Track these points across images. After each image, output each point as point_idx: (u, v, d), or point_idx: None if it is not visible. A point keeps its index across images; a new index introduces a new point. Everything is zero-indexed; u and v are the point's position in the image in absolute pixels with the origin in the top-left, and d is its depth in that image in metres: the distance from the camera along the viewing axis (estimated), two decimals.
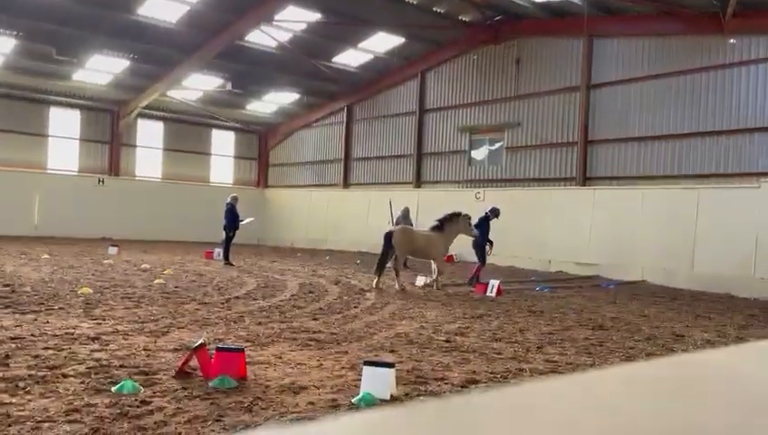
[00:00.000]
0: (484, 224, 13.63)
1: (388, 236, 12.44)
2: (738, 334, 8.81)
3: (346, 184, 27.76)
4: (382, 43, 23.30)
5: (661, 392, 0.38)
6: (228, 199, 16.79)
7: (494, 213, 13.99)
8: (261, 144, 31.92)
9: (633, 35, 18.61)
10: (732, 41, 16.46)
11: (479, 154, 23.16)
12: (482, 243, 13.50)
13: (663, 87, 17.85)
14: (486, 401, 0.37)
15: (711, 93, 16.92)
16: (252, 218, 18.07)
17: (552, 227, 19.17)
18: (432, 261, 12.92)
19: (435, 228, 12.79)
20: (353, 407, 4.52)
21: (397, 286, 12.16)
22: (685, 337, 8.31)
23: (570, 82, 19.99)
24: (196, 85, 26.48)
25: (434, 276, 12.80)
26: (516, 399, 0.38)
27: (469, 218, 13.14)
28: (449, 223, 12.80)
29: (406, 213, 18.29)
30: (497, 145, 22.42)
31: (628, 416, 0.33)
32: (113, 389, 4.57)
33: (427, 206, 22.97)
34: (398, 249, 12.43)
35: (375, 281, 12.35)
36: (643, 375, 0.45)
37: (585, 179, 19.46)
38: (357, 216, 25.94)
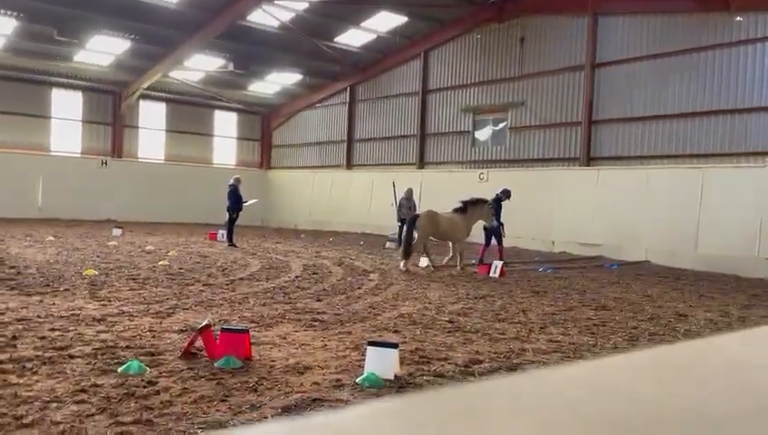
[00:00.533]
0: (496, 206, 13.69)
1: (413, 220, 12.47)
2: (741, 314, 8.83)
3: (349, 165, 27.72)
4: (385, 22, 23.08)
5: (667, 378, 0.38)
6: (231, 181, 16.79)
7: (506, 195, 14.09)
8: (264, 125, 31.83)
9: (638, 13, 18.40)
10: (738, 18, 16.25)
11: (482, 135, 23.05)
12: (497, 226, 13.53)
13: (668, 66, 17.68)
14: (490, 386, 0.37)
15: (717, 72, 16.76)
16: (255, 200, 18.09)
17: (556, 207, 19.14)
18: (451, 243, 12.88)
19: (457, 210, 12.78)
20: (357, 387, 4.55)
21: (401, 266, 12.22)
22: (688, 317, 8.33)
23: (574, 61, 19.82)
24: (199, 66, 26.33)
25: (450, 255, 12.77)
26: (521, 384, 0.39)
27: (492, 207, 13.23)
28: (473, 207, 12.83)
29: (409, 194, 18.28)
30: (501, 125, 22.30)
31: (634, 401, 0.33)
32: (119, 369, 4.61)
33: (431, 187, 22.96)
34: (422, 232, 12.42)
35: (403, 263, 12.33)
36: (649, 360, 0.44)
37: (589, 160, 19.38)
38: (360, 197, 25.94)
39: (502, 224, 13.66)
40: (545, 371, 0.46)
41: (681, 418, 0.29)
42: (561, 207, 19.01)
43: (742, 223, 15.13)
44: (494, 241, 13.87)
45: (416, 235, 12.44)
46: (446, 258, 12.87)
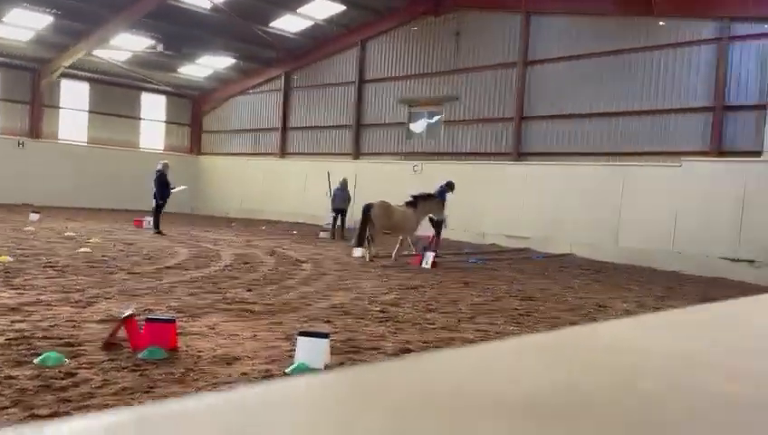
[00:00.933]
0: (441, 199, 13.90)
1: (367, 209, 12.57)
2: (656, 305, 9.33)
3: (283, 153, 27.36)
4: (322, 9, 22.86)
5: (556, 361, 0.40)
6: (158, 166, 16.25)
7: (450, 187, 14.37)
8: (194, 109, 30.91)
9: (569, 13, 19.00)
10: (661, 23, 17.07)
11: (418, 127, 23.27)
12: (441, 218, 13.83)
13: (595, 66, 18.37)
14: (395, 368, 0.38)
15: (640, 74, 17.55)
16: (184, 187, 17.58)
17: (487, 200, 19.59)
18: (401, 235, 13.01)
19: (409, 204, 12.94)
20: (287, 377, 4.52)
21: (367, 258, 12.42)
22: (607, 307, 8.73)
23: (507, 58, 20.27)
24: (125, 45, 25.25)
25: (398, 247, 12.82)
26: (422, 366, 0.40)
27: (443, 203, 13.52)
28: (423, 202, 13.02)
29: (344, 185, 18.28)
30: (436, 119, 22.57)
31: (521, 383, 0.35)
32: (36, 361, 4.39)
33: (366, 178, 23.01)
34: (377, 222, 12.54)
35: (366, 253, 12.54)
36: (542, 345, 0.47)
37: (519, 155, 19.92)
38: (294, 186, 25.68)
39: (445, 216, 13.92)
40: (442, 353, 0.48)
41: (552, 393, 0.31)
42: (491, 201, 19.47)
43: (659, 218, 15.98)
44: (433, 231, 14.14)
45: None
46: (394, 251, 12.83)
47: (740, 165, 15.09)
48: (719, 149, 16.04)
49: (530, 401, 0.30)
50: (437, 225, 14.11)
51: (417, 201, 12.97)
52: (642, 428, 0.28)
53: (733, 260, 14.77)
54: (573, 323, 7.40)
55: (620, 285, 11.56)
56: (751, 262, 14.47)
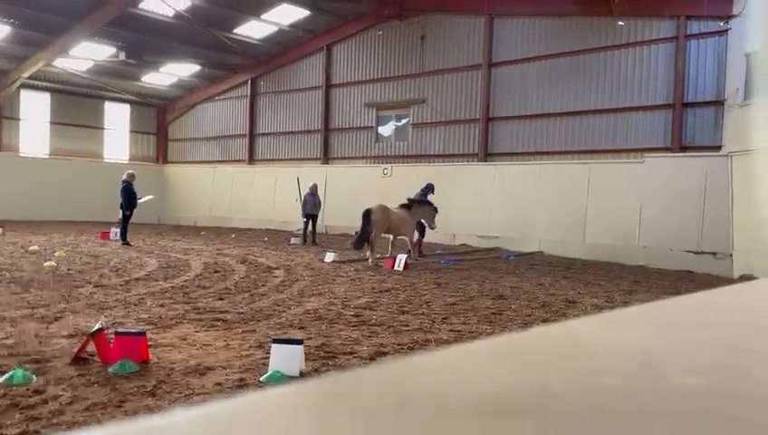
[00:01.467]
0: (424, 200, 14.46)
1: (367, 214, 12.86)
2: (624, 299, 9.51)
3: (251, 160, 27.14)
4: (286, 14, 22.76)
5: (526, 361, 0.42)
6: (124, 177, 15.98)
7: (431, 189, 14.91)
8: (159, 118, 30.46)
9: (531, 15, 19.28)
10: (620, 23, 17.44)
11: (386, 130, 23.33)
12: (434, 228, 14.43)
13: (558, 66, 18.67)
14: (367, 374, 0.39)
15: (601, 73, 17.90)
16: (151, 196, 17.32)
17: (456, 201, 19.72)
18: (392, 237, 13.69)
19: (404, 207, 13.53)
20: (261, 385, 4.49)
21: (369, 262, 12.59)
22: (577, 303, 8.87)
23: (472, 60, 20.47)
24: (87, 54, 24.75)
25: (409, 251, 13.72)
26: (394, 371, 0.40)
27: (436, 212, 14.01)
28: (417, 206, 13.73)
29: (314, 190, 18.21)
30: (403, 121, 22.66)
31: (492, 385, 0.36)
32: (1, 379, 4.28)
33: (336, 182, 22.99)
34: (376, 226, 12.86)
35: (369, 258, 12.75)
36: (512, 345, 0.48)
37: (486, 155, 20.12)
38: (263, 192, 25.50)
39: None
40: (414, 356, 0.49)
41: (522, 393, 0.33)
42: (461, 202, 19.61)
43: (624, 214, 16.30)
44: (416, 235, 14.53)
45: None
46: (405, 255, 13.01)
47: (700, 160, 15.49)
48: (680, 144, 16.44)
49: (501, 402, 0.31)
50: (422, 227, 14.59)
51: (411, 205, 13.63)
52: (608, 423, 0.29)
53: (696, 253, 15.15)
54: (545, 320, 7.50)
55: (589, 280, 11.76)
56: (714, 254, 14.85)
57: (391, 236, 13.68)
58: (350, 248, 13.54)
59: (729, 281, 13.22)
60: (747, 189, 13.27)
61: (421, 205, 13.86)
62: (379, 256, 13.48)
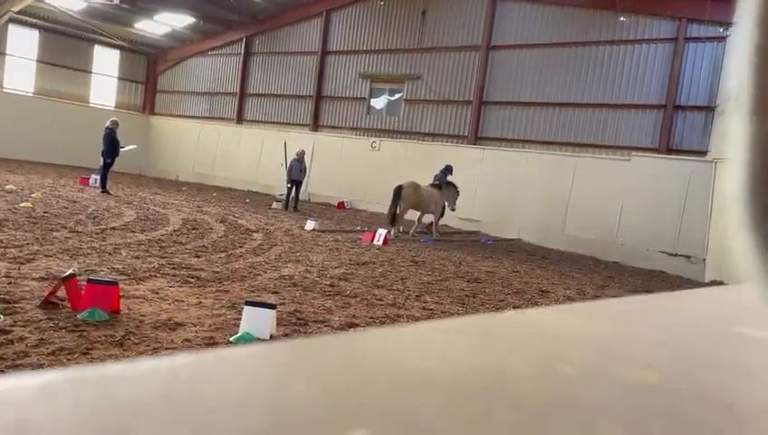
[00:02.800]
0: (441, 179, 15.28)
1: (399, 190, 13.54)
2: (595, 293, 9.66)
3: (240, 120, 26.83)
4: None
5: (487, 344, 0.43)
6: (108, 124, 15.73)
7: (449, 171, 15.40)
8: (149, 67, 29.89)
9: (534, 2, 19.15)
10: (622, 18, 17.40)
11: (378, 103, 23.16)
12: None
13: (555, 56, 18.62)
14: (332, 343, 0.40)
15: (597, 67, 17.90)
16: (134, 146, 17.09)
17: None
18: (428, 214, 14.59)
19: (434, 186, 14.48)
20: (230, 345, 4.51)
21: (392, 233, 13.20)
22: (549, 293, 8.99)
23: (471, 41, 20.32)
24: None
25: (435, 228, 14.59)
26: (359, 343, 0.41)
27: (458, 195, 14.98)
28: (447, 187, 14.65)
29: (301, 156, 18.08)
30: (397, 96, 22.51)
31: (450, 363, 0.37)
32: None
33: (323, 150, 22.86)
34: (406, 201, 13.59)
35: (393, 231, 13.40)
36: (476, 327, 0.49)
37: (476, 138, 20.11)
38: (249, 154, 25.28)
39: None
40: (380, 330, 0.50)
41: (477, 374, 0.34)
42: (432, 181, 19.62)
43: (605, 210, 16.47)
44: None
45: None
46: (430, 230, 14.48)
47: (685, 163, 15.65)
48: (667, 146, 16.58)
49: (456, 380, 0.32)
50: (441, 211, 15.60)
51: (441, 185, 14.56)
52: (554, 409, 0.30)
53: (671, 254, 15.39)
54: (516, 307, 7.60)
55: (564, 272, 11.91)
56: (688, 257, 15.10)
57: (419, 213, 14.55)
58: (399, 229, 14.08)
59: (699, 285, 13.47)
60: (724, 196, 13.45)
61: (449, 186, 14.67)
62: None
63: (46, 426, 0.25)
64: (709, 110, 16.01)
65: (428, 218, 15.11)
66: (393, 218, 13.58)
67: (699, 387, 0.39)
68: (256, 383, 0.29)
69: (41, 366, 3.61)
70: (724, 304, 0.81)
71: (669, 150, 16.53)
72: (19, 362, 3.62)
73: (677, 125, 16.63)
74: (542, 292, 9.02)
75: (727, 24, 15.64)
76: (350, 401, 0.27)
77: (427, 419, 0.27)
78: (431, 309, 6.77)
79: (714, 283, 13.55)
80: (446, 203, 14.91)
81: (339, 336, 0.43)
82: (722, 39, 15.86)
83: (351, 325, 5.55)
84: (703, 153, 15.75)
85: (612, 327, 0.55)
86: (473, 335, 0.46)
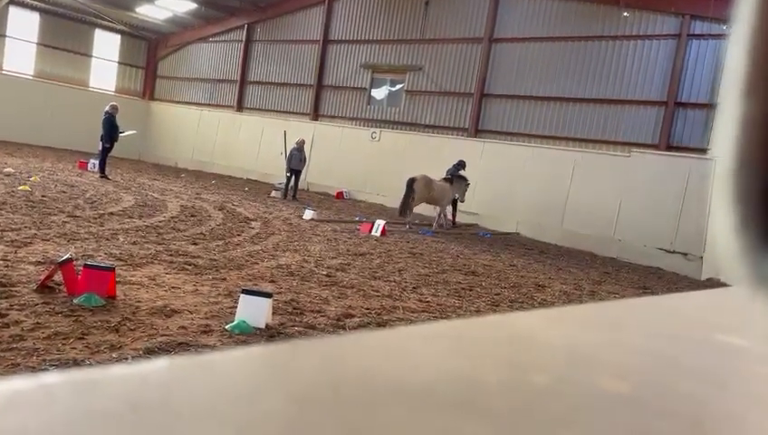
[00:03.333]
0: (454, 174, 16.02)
1: (411, 182, 13.97)
2: (591, 288, 9.68)
3: (240, 107, 26.75)
4: None
5: (461, 350, 0.43)
6: (107, 108, 15.69)
7: (463, 166, 16.11)
8: (150, 52, 29.75)
9: None
10: (625, 14, 17.33)
11: (379, 94, 23.09)
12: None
13: (558, 50, 18.55)
14: (306, 348, 0.40)
15: (599, 62, 17.84)
16: (134, 131, 17.07)
17: (440, 174, 19.73)
18: (436, 207, 15.02)
19: (446, 180, 15.03)
20: (226, 333, 4.52)
21: (407, 226, 13.95)
22: (545, 287, 9.01)
23: (474, 33, 20.23)
24: None
25: (437, 220, 15.01)
26: (331, 349, 0.42)
27: (467, 187, 15.79)
28: (458, 180, 15.27)
29: (301, 145, 18.04)
30: (398, 87, 22.44)
31: (422, 371, 0.37)
32: None
33: (323, 140, 22.81)
34: (418, 193, 14.03)
35: (408, 224, 14.11)
36: (451, 332, 0.50)
37: (476, 131, 20.07)
38: (249, 142, 25.23)
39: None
40: (354, 335, 0.50)
41: (448, 382, 0.34)
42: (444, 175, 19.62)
43: (604, 206, 16.47)
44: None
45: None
46: (437, 222, 14.93)
47: (685, 161, 15.63)
48: (668, 143, 16.55)
49: (427, 390, 0.33)
50: (454, 202, 16.19)
51: (453, 179, 15.13)
52: (520, 420, 0.31)
53: (668, 251, 15.41)
54: (513, 301, 7.62)
55: (561, 266, 11.93)
56: (684, 255, 15.13)
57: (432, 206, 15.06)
58: (408, 222, 14.41)
59: (695, 282, 13.51)
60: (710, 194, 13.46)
61: (460, 180, 15.35)
62: (357, 219, 13.62)
63: None
64: (711, 107, 15.97)
65: (436, 211, 15.59)
66: (405, 210, 14.02)
67: (669, 399, 0.39)
68: (228, 392, 0.30)
69: (36, 350, 3.62)
70: (709, 308, 0.82)
71: (669, 147, 16.50)
72: (15, 345, 3.63)
73: (678, 122, 16.60)
74: (539, 286, 9.04)
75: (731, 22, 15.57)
76: (317, 416, 0.27)
77: (393, 433, 0.28)
78: (427, 301, 6.79)
79: (710, 281, 13.58)
80: (457, 195, 15.59)
81: (315, 341, 0.43)
82: (725, 36, 15.79)
83: (347, 316, 5.57)
84: (703, 151, 15.73)
85: (592, 333, 0.56)
86: (449, 341, 0.47)
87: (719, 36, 15.98)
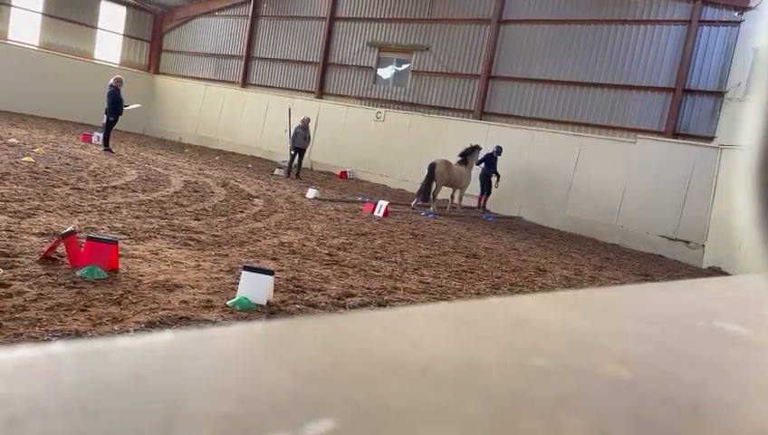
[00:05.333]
0: (490, 159, 16.65)
1: (432, 167, 14.30)
2: (592, 274, 9.70)
3: (245, 83, 26.61)
4: None
5: (462, 332, 0.43)
6: (111, 81, 15.62)
7: (499, 152, 16.69)
8: (155, 26, 29.53)
9: None
10: None
11: (385, 73, 22.93)
12: (489, 174, 16.73)
13: (566, 33, 18.37)
14: (309, 325, 0.41)
15: (608, 47, 17.67)
16: (138, 105, 17.01)
17: (445, 156, 19.66)
18: (456, 190, 15.37)
19: (461, 163, 15.25)
20: (227, 309, 4.55)
21: (432, 208, 14.23)
22: (546, 272, 9.03)
23: (482, 14, 20.03)
24: None
25: (452, 203, 15.39)
26: (335, 325, 0.42)
27: (479, 150, 15.96)
28: (471, 156, 15.48)
29: (306, 123, 17.96)
30: (404, 67, 22.28)
31: (422, 349, 0.38)
32: None
33: (328, 118, 22.71)
34: (439, 178, 14.33)
35: (432, 206, 14.38)
36: (453, 314, 0.50)
37: (482, 114, 19.96)
38: (253, 118, 25.14)
39: (498, 175, 16.74)
40: (358, 313, 0.51)
41: (448, 361, 0.35)
42: (449, 157, 19.55)
43: (607, 192, 16.43)
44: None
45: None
46: (449, 206, 15.28)
47: (691, 148, 15.56)
48: (674, 130, 16.46)
49: (427, 369, 0.33)
50: (486, 183, 16.71)
51: (466, 158, 15.31)
52: (519, 401, 0.31)
53: (671, 239, 15.41)
54: (513, 284, 7.65)
55: (563, 251, 11.94)
56: (687, 242, 15.13)
57: (451, 190, 15.31)
58: (419, 204, 14.59)
59: (697, 270, 13.52)
60: (730, 184, 13.43)
61: (471, 153, 15.44)
62: (360, 199, 13.61)
63: (19, 403, 0.26)
64: (719, 95, 15.85)
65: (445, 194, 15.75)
66: (426, 195, 14.22)
67: (668, 386, 0.40)
68: (229, 365, 0.30)
69: (39, 321, 3.65)
70: (711, 296, 0.82)
71: (676, 134, 16.41)
72: (17, 315, 3.66)
73: (685, 109, 16.48)
74: (540, 270, 9.06)
75: (742, 9, 15.39)
76: (319, 389, 0.28)
77: (392, 409, 0.28)
78: (428, 283, 6.81)
79: (711, 269, 13.60)
80: (493, 177, 16.32)
81: (316, 319, 0.43)
82: (736, 24, 15.61)
83: (348, 295, 5.59)
84: (709, 139, 15.64)
85: (594, 319, 0.56)
86: (449, 322, 0.47)
87: (730, 23, 15.80)
